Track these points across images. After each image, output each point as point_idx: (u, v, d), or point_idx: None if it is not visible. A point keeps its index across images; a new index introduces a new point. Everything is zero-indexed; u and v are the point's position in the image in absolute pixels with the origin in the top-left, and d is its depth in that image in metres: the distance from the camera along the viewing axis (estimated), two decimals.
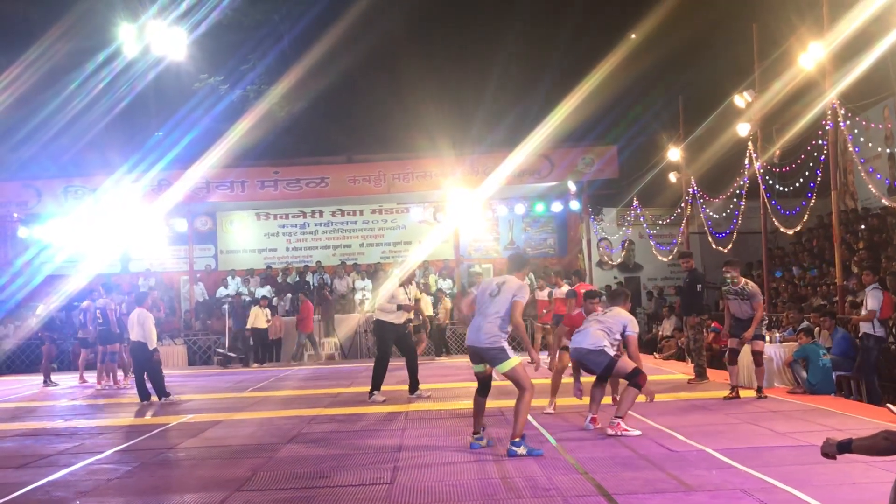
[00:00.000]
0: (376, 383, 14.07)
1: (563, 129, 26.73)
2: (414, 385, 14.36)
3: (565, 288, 19.60)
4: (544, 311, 18.91)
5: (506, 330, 8.98)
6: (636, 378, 9.86)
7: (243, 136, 27.16)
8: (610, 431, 9.72)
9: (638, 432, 9.69)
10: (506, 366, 8.89)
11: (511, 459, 8.54)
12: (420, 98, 31.77)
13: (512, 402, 9.10)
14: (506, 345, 8.97)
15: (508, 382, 9.15)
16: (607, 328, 10.18)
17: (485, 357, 9.06)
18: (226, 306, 27.11)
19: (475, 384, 12.02)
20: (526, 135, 26.10)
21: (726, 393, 12.95)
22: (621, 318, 10.30)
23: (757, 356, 13.07)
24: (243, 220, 31.48)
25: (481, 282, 9.74)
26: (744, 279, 13.30)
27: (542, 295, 18.98)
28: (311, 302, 26.38)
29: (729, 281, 13.16)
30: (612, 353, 10.04)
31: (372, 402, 13.78)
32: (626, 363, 9.98)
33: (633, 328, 10.25)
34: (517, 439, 8.78)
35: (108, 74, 28.39)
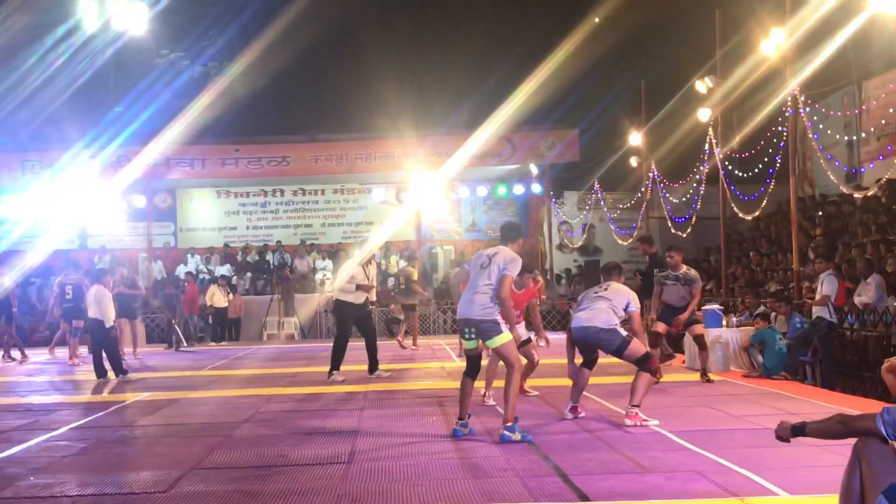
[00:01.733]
0: (335, 363, 14.04)
1: (525, 112, 26.75)
2: (373, 365, 14.35)
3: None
4: None
5: (497, 302, 8.59)
6: (647, 363, 9.41)
7: (204, 113, 26.89)
8: (629, 422, 9.19)
9: (656, 421, 9.23)
10: (497, 340, 8.56)
11: (468, 440, 8.55)
12: (382, 78, 31.69)
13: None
14: (499, 318, 8.58)
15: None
16: (613, 306, 9.60)
17: (477, 329, 8.66)
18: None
19: (434, 365, 12.01)
20: (488, 117, 26.09)
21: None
22: (624, 294, 9.78)
23: (699, 340, 13.17)
24: (203, 197, 31.28)
25: (473, 258, 9.22)
26: (685, 265, 13.42)
27: None
28: (196, 283, 25.96)
29: (668, 267, 13.32)
30: (623, 332, 9.49)
31: (331, 381, 13.76)
32: (638, 347, 9.45)
33: (636, 304, 9.77)
34: (510, 423, 8.41)
35: (68, 49, 27.99)
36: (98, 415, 11.24)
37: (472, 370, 8.97)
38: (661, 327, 13.34)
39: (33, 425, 10.45)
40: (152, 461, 8.20)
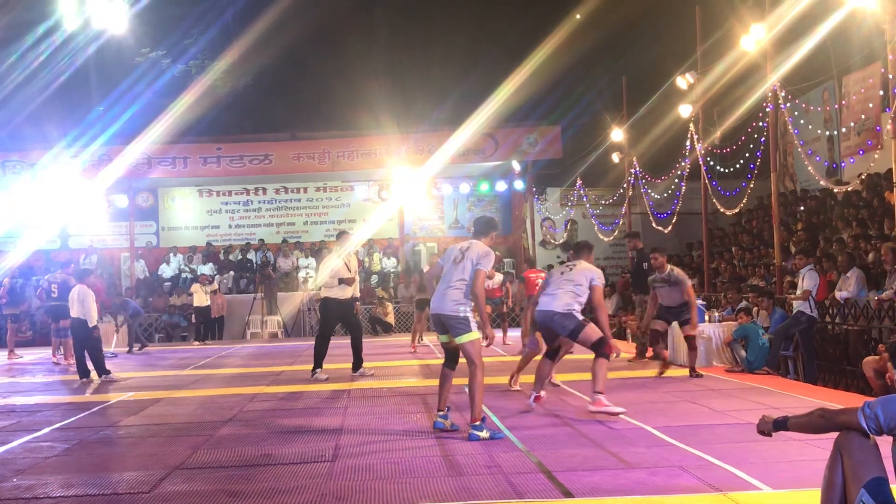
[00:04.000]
0: (318, 361, 14.03)
1: (508, 109, 26.79)
2: (357, 363, 14.33)
3: (498, 277, 19.85)
4: None
5: (470, 297, 8.71)
6: (602, 348, 9.66)
7: (185, 112, 26.84)
8: (592, 409, 9.46)
9: (622, 409, 9.45)
10: (465, 337, 8.65)
11: (452, 438, 8.56)
12: (364, 75, 31.71)
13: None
14: (470, 315, 8.72)
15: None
16: (575, 287, 9.88)
17: (447, 324, 8.75)
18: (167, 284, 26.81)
19: (417, 362, 12.04)
20: (470, 114, 26.10)
21: (656, 371, 13.12)
22: (588, 271, 10.03)
23: (690, 340, 13.21)
24: (185, 196, 31.16)
25: (446, 253, 9.27)
26: (669, 266, 13.51)
27: None
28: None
29: (656, 270, 13.43)
30: (580, 317, 9.78)
31: (314, 379, 13.75)
32: (592, 331, 9.70)
33: (600, 279, 10.02)
34: (478, 423, 8.49)
35: (48, 47, 27.87)
36: (81, 415, 11.21)
37: (450, 362, 9.03)
38: (659, 325, 13.39)
39: (16, 426, 10.41)
40: (136, 461, 8.18)
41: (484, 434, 8.40)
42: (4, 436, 9.67)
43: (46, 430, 10.06)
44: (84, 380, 15.01)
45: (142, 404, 12.07)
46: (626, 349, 17.03)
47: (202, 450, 8.50)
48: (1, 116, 28.59)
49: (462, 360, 8.91)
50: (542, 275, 16.88)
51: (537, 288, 15.77)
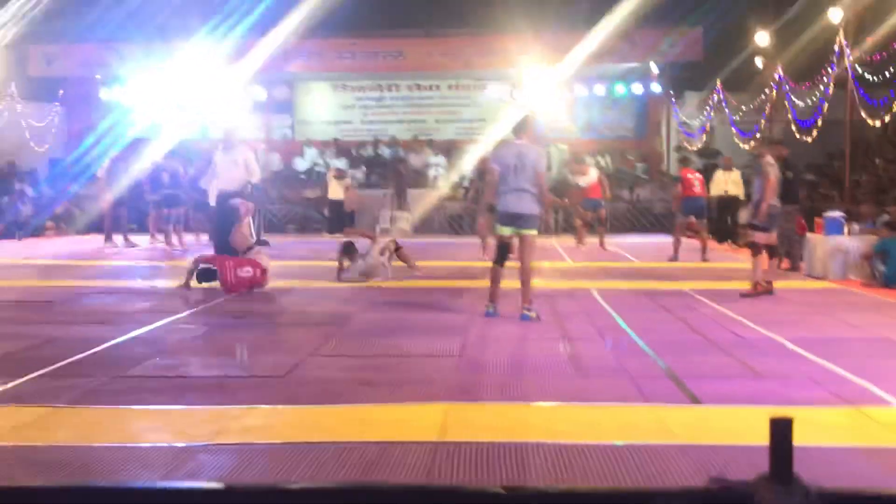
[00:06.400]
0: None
1: (646, 8, 26.01)
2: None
3: (594, 173, 20.02)
4: None
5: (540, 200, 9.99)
6: None
7: (321, 5, 26.84)
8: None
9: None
10: (534, 231, 10.00)
11: (580, 340, 8.58)
12: None
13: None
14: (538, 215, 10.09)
15: None
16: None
17: (525, 220, 9.84)
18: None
19: (546, 264, 12.42)
20: (607, 12, 25.47)
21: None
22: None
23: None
24: (320, 91, 31.44)
25: (498, 157, 10.21)
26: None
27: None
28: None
29: None
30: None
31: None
32: None
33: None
34: (529, 305, 9.80)
35: None
36: (217, 300, 11.55)
37: (501, 259, 10.21)
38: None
39: (157, 307, 10.81)
40: (270, 347, 8.44)
41: (533, 314, 9.71)
42: (147, 316, 10.01)
43: (186, 312, 10.43)
44: None
45: (276, 293, 12.40)
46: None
47: (334, 339, 8.69)
48: (144, 4, 29.07)
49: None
50: (699, 175, 17.08)
51: (694, 189, 16.19)
